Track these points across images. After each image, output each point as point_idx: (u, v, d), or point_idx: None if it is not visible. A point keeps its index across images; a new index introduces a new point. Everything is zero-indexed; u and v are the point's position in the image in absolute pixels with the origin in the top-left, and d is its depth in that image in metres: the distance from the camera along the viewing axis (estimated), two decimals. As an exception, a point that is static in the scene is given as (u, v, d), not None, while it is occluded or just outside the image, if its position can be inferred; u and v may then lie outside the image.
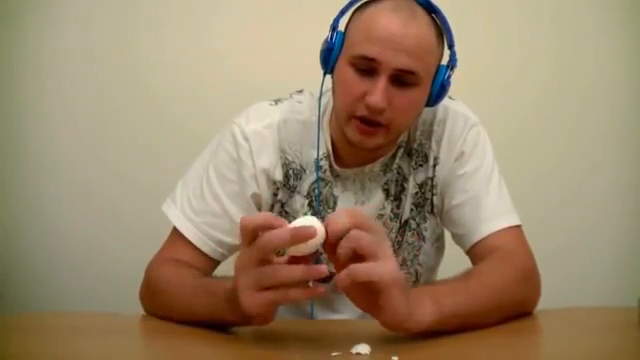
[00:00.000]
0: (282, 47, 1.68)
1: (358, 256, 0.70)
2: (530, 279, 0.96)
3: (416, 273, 1.13)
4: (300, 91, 1.11)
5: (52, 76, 1.73)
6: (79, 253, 1.74)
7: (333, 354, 0.72)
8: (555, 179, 1.75)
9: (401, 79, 0.93)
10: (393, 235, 1.09)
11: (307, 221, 0.70)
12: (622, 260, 1.75)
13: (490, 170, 1.06)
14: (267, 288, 0.70)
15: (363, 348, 0.73)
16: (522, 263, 0.96)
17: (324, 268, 0.68)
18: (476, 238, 1.01)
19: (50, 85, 1.73)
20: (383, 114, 0.94)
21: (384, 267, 0.70)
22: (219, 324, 0.83)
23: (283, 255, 0.71)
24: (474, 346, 0.79)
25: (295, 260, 0.71)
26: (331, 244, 0.70)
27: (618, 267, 1.74)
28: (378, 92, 0.92)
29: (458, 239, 1.06)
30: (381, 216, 1.08)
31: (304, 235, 0.68)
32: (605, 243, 1.76)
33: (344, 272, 0.69)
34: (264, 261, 0.70)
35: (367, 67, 0.94)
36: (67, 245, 1.74)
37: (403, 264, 1.10)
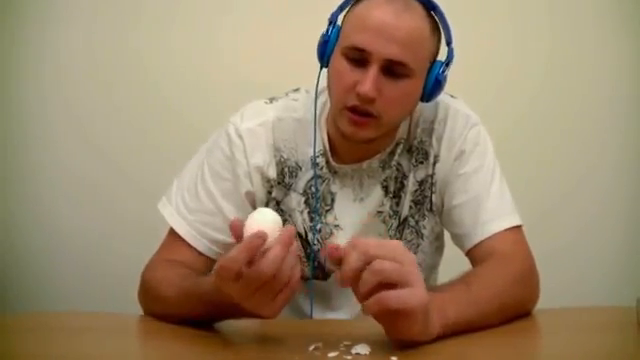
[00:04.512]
0: (287, 46, 1.68)
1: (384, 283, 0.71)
2: (528, 280, 0.96)
3: None
4: (296, 89, 1.11)
5: (54, 74, 1.73)
6: (80, 253, 1.74)
7: (332, 354, 0.72)
8: (554, 179, 1.75)
9: (392, 70, 0.93)
10: (392, 232, 1.08)
11: (261, 214, 0.75)
12: (621, 260, 1.75)
13: (491, 170, 1.05)
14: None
15: (362, 348, 0.74)
16: (520, 265, 0.96)
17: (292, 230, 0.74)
18: (476, 240, 1.01)
19: (52, 84, 1.73)
20: (374, 104, 0.94)
21: (414, 295, 0.72)
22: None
23: None
24: (474, 346, 0.79)
25: None
26: (350, 277, 0.72)
27: (617, 267, 1.74)
28: (368, 81, 0.92)
29: (457, 239, 1.06)
30: (380, 213, 1.08)
31: (258, 245, 0.71)
32: (604, 243, 1.76)
33: (373, 300, 0.71)
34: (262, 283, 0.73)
35: (359, 57, 0.94)
36: (68, 245, 1.74)
37: None
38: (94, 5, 1.72)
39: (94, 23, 1.72)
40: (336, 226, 1.07)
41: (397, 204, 1.08)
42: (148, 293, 0.97)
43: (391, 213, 1.08)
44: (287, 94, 1.10)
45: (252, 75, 1.68)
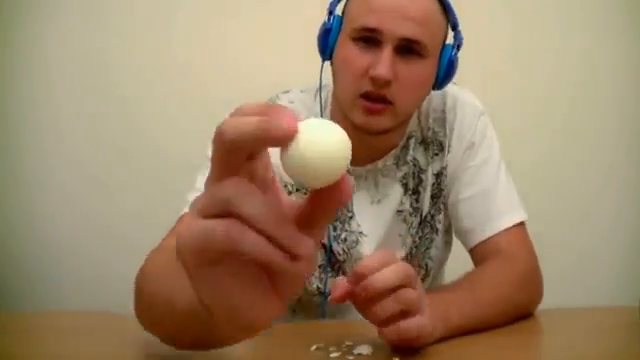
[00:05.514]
0: (287, 45, 1.67)
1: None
2: (533, 282, 0.96)
3: (426, 267, 1.06)
4: (286, 91, 1.05)
5: (45, 82, 1.72)
6: (78, 251, 1.73)
7: (334, 354, 0.72)
8: (555, 178, 1.75)
9: (407, 50, 0.89)
10: (413, 231, 1.04)
11: (324, 125, 0.39)
12: (622, 260, 1.75)
13: (498, 163, 1.03)
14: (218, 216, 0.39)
15: (364, 349, 0.73)
16: (524, 266, 0.95)
17: (309, 244, 0.39)
18: (482, 237, 0.99)
19: (44, 91, 1.72)
20: (389, 88, 0.88)
21: (425, 322, 0.72)
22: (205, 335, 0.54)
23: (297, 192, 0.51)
24: (475, 346, 0.79)
25: (317, 202, 0.41)
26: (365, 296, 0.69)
27: (618, 267, 1.74)
28: (383, 63, 0.87)
29: (462, 234, 1.03)
30: (400, 212, 1.03)
31: (276, 132, 0.38)
32: (607, 242, 1.75)
33: (393, 329, 0.70)
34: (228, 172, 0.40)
35: (370, 39, 0.89)
36: (66, 243, 1.74)
37: (415, 257, 1.04)
38: (91, 6, 1.71)
39: (88, 25, 1.71)
40: (360, 233, 1.02)
41: (417, 200, 1.03)
42: (137, 284, 0.72)
43: (411, 211, 1.03)
44: (278, 96, 1.03)
45: (253, 75, 1.67)
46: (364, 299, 0.69)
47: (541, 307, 0.96)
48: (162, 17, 1.71)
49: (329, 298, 0.72)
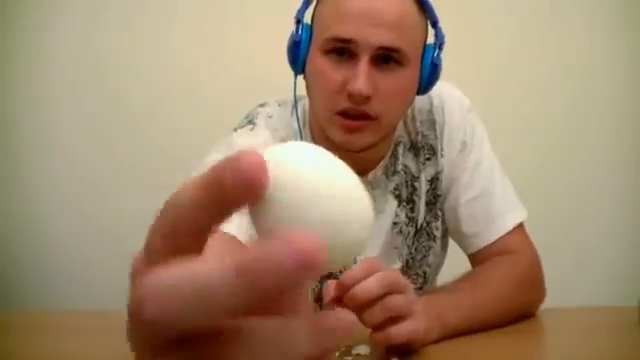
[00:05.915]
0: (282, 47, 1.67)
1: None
2: (536, 280, 0.95)
3: (424, 274, 1.02)
4: (262, 104, 0.98)
5: (42, 83, 1.73)
6: (78, 250, 1.73)
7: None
8: (555, 178, 1.74)
9: (385, 59, 0.82)
10: (409, 242, 0.99)
11: (296, 149, 0.29)
12: (622, 260, 1.75)
13: (491, 161, 0.98)
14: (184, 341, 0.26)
15: (363, 349, 0.73)
16: (528, 263, 0.94)
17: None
18: (487, 240, 0.95)
19: (41, 91, 1.73)
20: (369, 103, 0.81)
21: (416, 325, 0.72)
22: None
23: None
24: (474, 346, 0.79)
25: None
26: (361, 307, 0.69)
27: (618, 267, 1.74)
28: (360, 77, 0.79)
29: (463, 238, 0.98)
30: (395, 224, 0.98)
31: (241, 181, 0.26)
32: (605, 243, 1.75)
33: (383, 336, 0.71)
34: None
35: (343, 51, 0.82)
36: (66, 242, 1.74)
37: (412, 266, 1.01)
38: (87, 7, 1.71)
39: (85, 26, 1.71)
40: None
41: (412, 210, 0.98)
42: None
43: (407, 221, 0.98)
44: (258, 112, 0.96)
45: (250, 77, 1.67)
46: (353, 307, 0.70)
47: (541, 307, 0.95)
48: (159, 18, 1.71)
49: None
